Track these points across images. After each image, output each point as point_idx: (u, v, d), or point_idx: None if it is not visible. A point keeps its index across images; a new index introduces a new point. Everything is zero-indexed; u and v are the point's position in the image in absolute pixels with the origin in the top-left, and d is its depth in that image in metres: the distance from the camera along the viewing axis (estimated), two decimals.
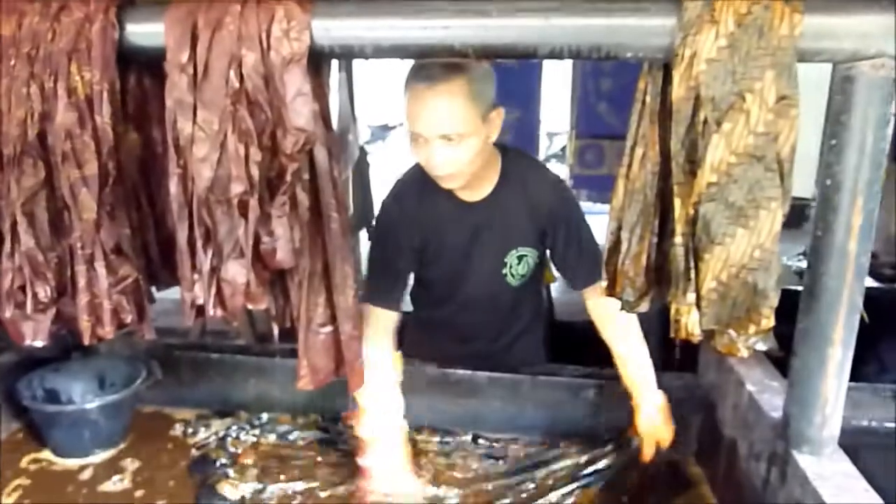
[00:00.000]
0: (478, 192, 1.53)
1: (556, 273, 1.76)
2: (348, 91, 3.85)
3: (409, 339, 1.90)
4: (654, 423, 1.49)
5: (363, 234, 4.21)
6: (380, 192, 1.72)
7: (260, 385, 1.83)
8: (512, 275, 1.61)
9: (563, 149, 7.61)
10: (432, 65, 1.33)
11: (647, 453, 1.49)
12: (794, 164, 0.99)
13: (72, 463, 1.62)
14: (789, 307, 1.11)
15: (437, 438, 1.69)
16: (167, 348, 1.85)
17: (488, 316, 1.70)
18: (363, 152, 4.26)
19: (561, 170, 6.28)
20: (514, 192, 1.54)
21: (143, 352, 1.81)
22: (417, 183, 1.54)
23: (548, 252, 1.64)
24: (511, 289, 1.64)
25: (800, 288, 1.13)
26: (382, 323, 1.56)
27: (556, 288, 3.19)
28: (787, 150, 0.97)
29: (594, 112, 5.00)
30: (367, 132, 10.24)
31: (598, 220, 2.21)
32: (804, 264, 2.84)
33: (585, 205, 5.16)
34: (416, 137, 1.38)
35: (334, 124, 1.25)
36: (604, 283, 1.18)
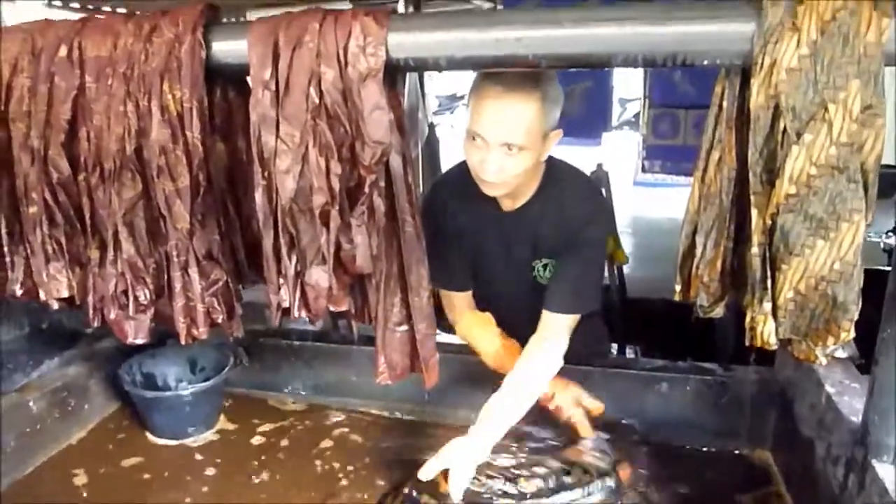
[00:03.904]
0: (513, 202, 1.54)
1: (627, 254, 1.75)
2: None
3: None
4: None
5: None
6: (449, 165, 1.74)
7: (339, 370, 1.91)
8: (541, 276, 1.62)
9: (637, 115, 7.42)
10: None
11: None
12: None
13: (170, 443, 1.75)
14: (876, 289, 1.06)
15: None
16: (252, 335, 1.95)
17: (524, 313, 1.71)
18: (432, 129, 4.29)
19: (634, 138, 6.13)
20: (548, 207, 1.53)
21: (231, 339, 1.91)
22: (458, 183, 1.56)
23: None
24: (543, 287, 1.64)
25: (888, 269, 1.07)
26: (462, 302, 1.67)
27: (627, 265, 3.18)
28: (872, 160, 0.94)
29: (670, 80, 4.83)
30: (434, 102, 10.24)
31: (673, 193, 2.16)
32: (894, 241, 2.68)
33: (658, 177, 5.04)
34: (475, 137, 1.37)
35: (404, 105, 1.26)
36: (677, 287, 1.18)
